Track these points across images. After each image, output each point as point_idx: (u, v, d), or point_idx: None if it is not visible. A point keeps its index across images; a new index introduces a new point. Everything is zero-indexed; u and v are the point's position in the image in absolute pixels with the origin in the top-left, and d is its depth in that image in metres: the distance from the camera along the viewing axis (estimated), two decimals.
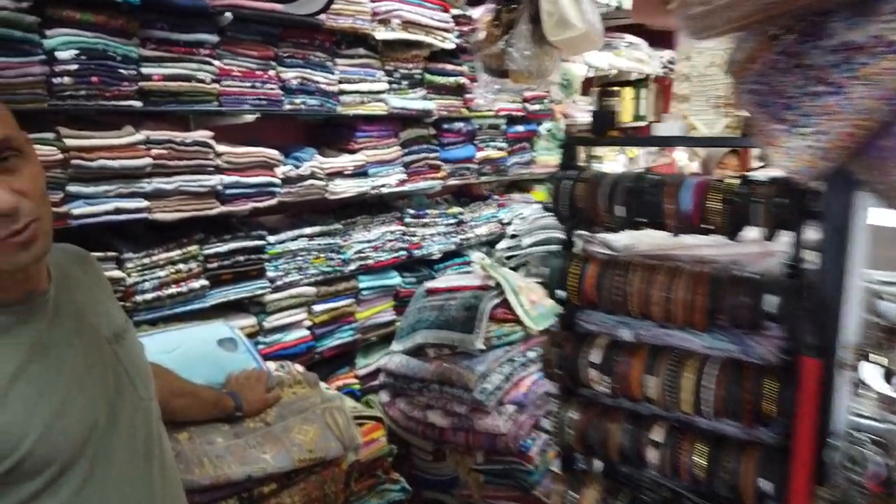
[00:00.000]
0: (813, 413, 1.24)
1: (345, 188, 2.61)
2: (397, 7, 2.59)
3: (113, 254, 1.94)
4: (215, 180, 2.13)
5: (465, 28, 2.94)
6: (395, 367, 2.56)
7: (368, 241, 2.77)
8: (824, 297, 1.26)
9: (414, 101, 2.83)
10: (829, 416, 1.30)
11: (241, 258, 2.28)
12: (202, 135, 2.10)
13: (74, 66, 1.79)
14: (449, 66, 2.98)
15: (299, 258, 2.49)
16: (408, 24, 2.67)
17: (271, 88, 2.29)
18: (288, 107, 2.36)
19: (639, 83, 4.37)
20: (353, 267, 2.70)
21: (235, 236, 2.26)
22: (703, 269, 1.45)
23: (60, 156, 1.79)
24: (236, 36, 2.19)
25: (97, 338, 1.01)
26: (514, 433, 2.31)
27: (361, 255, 2.74)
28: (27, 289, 0.93)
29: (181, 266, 2.08)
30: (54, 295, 0.98)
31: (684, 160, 4.97)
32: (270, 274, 2.39)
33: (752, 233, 1.38)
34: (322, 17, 2.34)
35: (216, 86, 2.13)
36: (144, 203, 1.97)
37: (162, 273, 2.03)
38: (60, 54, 1.76)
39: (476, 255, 3.28)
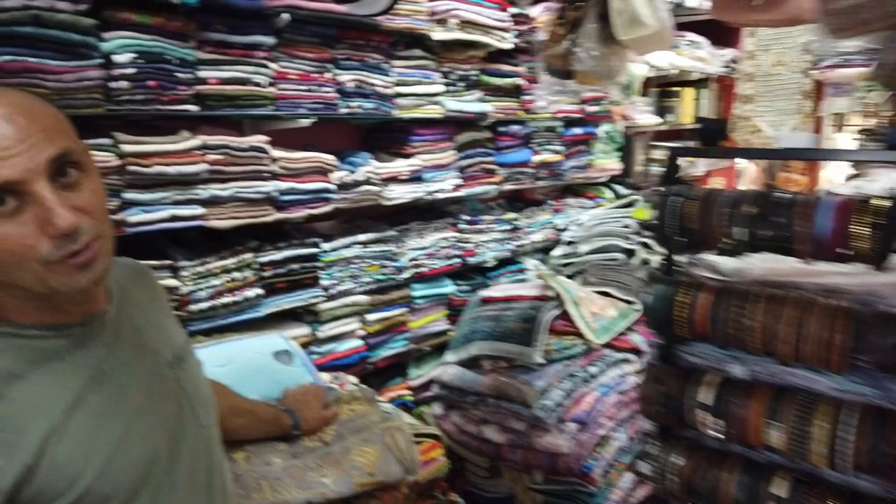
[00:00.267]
0: None
1: (399, 194, 2.54)
2: (455, 6, 2.50)
3: (168, 262, 1.90)
4: (271, 186, 2.07)
5: (523, 27, 2.84)
6: (448, 378, 2.48)
7: (423, 249, 2.69)
8: None
9: (470, 103, 2.74)
10: None
11: (296, 266, 2.22)
12: (258, 140, 2.04)
13: (132, 70, 1.74)
14: (506, 67, 2.88)
15: (353, 266, 2.43)
16: (465, 24, 2.58)
17: (327, 91, 2.23)
18: (344, 110, 2.29)
19: (699, 83, 4.19)
20: (407, 275, 2.63)
21: (290, 244, 2.21)
22: (838, 301, 1.29)
23: (117, 162, 1.75)
24: (293, 38, 2.12)
25: (158, 362, 0.95)
26: (576, 453, 2.20)
27: (416, 262, 2.66)
28: (86, 310, 0.87)
29: (236, 274, 2.03)
30: (114, 316, 0.91)
31: (744, 163, 4.77)
32: (324, 282, 2.33)
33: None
34: (379, 17, 2.27)
35: (272, 89, 2.07)
36: (200, 210, 1.92)
37: (217, 282, 1.98)
38: (118, 58, 1.72)
39: (531, 263, 3.18)
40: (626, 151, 3.70)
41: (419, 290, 2.69)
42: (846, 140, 3.91)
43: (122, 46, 1.72)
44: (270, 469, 1.41)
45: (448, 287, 2.81)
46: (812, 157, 3.00)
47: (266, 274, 2.14)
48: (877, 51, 0.98)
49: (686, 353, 1.51)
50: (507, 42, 2.77)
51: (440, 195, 2.70)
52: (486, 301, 2.67)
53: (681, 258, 1.49)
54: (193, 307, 1.94)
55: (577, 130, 3.34)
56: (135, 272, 1.05)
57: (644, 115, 3.74)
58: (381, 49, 2.39)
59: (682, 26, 3.84)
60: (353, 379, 2.09)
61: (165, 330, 1.01)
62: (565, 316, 2.44)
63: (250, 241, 2.10)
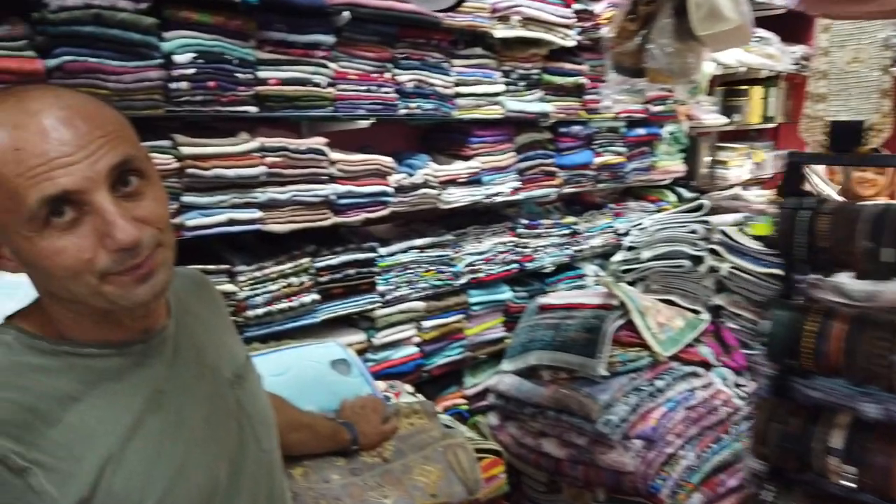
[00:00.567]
0: None
1: (457, 197, 2.46)
2: (518, 3, 2.41)
3: (225, 267, 1.86)
4: (329, 190, 2.02)
5: (587, 24, 2.73)
6: (505, 388, 2.40)
7: (480, 253, 2.61)
8: None
9: (531, 103, 2.64)
10: None
11: (352, 271, 2.17)
12: (316, 142, 1.99)
13: (192, 70, 1.71)
14: (568, 66, 2.77)
15: (410, 271, 2.36)
16: (527, 21, 2.48)
17: (387, 92, 2.17)
18: (403, 111, 2.23)
19: (768, 81, 3.99)
20: (463, 280, 2.55)
21: (347, 248, 2.15)
22: None
23: (176, 165, 1.72)
24: (352, 36, 2.06)
25: (218, 382, 0.89)
26: (642, 472, 2.08)
27: (473, 267, 2.58)
28: (145, 326, 0.81)
29: (293, 279, 1.98)
30: (173, 331, 0.85)
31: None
32: (380, 288, 2.27)
33: None
34: (440, 14, 2.19)
35: (332, 90, 2.02)
36: (258, 214, 1.88)
37: (273, 287, 1.94)
38: (178, 58, 1.68)
39: (590, 269, 3.07)
40: (690, 153, 3.55)
41: (476, 296, 2.61)
42: None
43: (182, 46, 1.69)
44: (329, 487, 1.35)
45: (505, 293, 2.72)
46: None
47: (322, 279, 2.09)
48: None
49: (805, 387, 1.34)
50: (570, 39, 2.67)
51: (499, 199, 2.62)
52: (545, 308, 2.57)
53: (802, 278, 1.30)
54: (250, 313, 1.90)
55: (641, 131, 3.20)
56: (194, 283, 0.99)
57: (710, 115, 3.58)
58: (441, 48, 2.32)
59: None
60: (409, 388, 2.03)
61: (226, 346, 0.95)
62: (630, 326, 2.32)
63: (307, 246, 2.06)
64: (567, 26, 2.65)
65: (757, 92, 3.93)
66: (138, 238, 0.70)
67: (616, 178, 3.15)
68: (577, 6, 2.68)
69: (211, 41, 1.74)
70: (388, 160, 2.19)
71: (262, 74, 1.86)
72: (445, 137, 2.59)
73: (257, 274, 1.91)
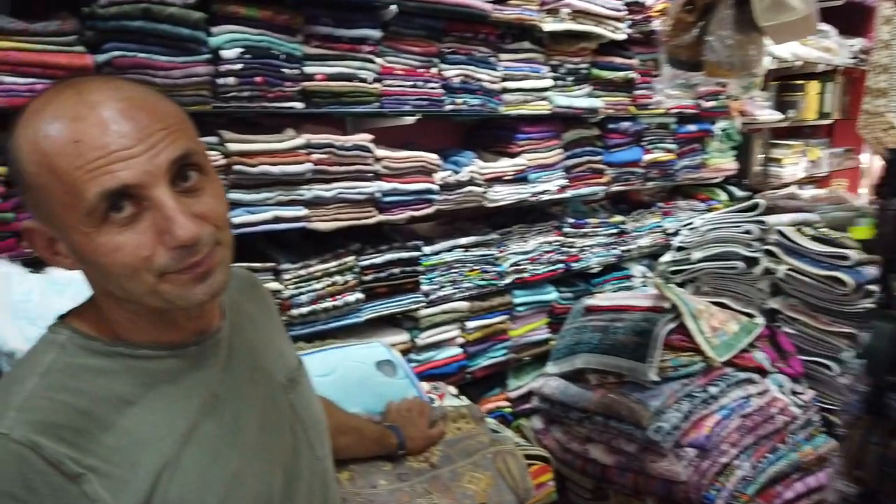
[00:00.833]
0: None
1: (503, 195, 2.41)
2: None
3: (271, 265, 1.85)
4: (374, 187, 1.99)
5: (638, 16, 2.65)
6: (550, 391, 2.34)
7: (525, 253, 2.55)
8: None
9: (580, 98, 2.57)
10: None
11: (396, 270, 2.13)
12: (362, 139, 1.96)
13: (239, 66, 1.69)
14: (618, 60, 2.70)
15: (454, 270, 2.32)
16: (577, 14, 2.41)
17: (433, 87, 2.13)
18: (449, 107, 2.18)
19: (824, 76, 3.84)
20: (508, 280, 2.50)
21: (392, 247, 2.12)
22: None
23: (223, 161, 1.70)
24: (399, 31, 2.03)
25: (272, 386, 0.85)
26: (695, 482, 2.00)
27: (518, 267, 2.53)
28: (200, 327, 0.78)
29: (337, 278, 1.96)
30: (227, 333, 0.82)
31: (867, 161, 4.38)
32: (424, 287, 2.23)
33: None
34: (488, 7, 2.14)
35: (378, 85, 1.99)
36: (303, 211, 1.85)
37: (318, 285, 1.92)
38: (225, 53, 1.67)
39: (637, 270, 2.98)
40: (743, 150, 3.43)
41: (520, 297, 2.55)
42: None
43: (230, 41, 1.67)
44: (376, 493, 1.31)
45: (551, 294, 2.66)
46: None
47: (366, 278, 2.06)
48: None
49: None
50: (620, 33, 2.59)
51: (545, 197, 2.56)
52: (591, 310, 2.50)
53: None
54: (294, 311, 1.88)
55: (692, 127, 3.11)
56: (246, 284, 0.96)
57: (764, 111, 3.46)
58: (488, 42, 2.27)
59: None
60: (453, 389, 1.99)
61: (279, 349, 0.92)
62: (682, 330, 2.24)
63: (352, 244, 2.03)
64: (618, 19, 2.58)
65: (813, 87, 3.79)
66: (198, 235, 0.66)
67: (666, 176, 3.06)
68: None
69: (258, 36, 1.72)
70: (433, 157, 2.15)
71: (308, 70, 1.84)
72: (491, 134, 2.54)
73: (302, 272, 1.89)
